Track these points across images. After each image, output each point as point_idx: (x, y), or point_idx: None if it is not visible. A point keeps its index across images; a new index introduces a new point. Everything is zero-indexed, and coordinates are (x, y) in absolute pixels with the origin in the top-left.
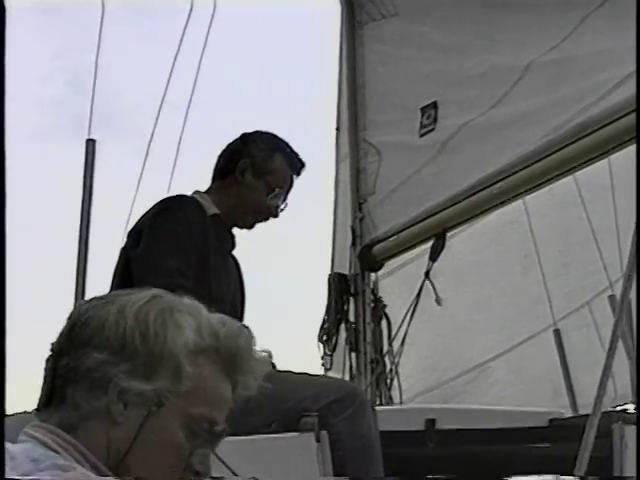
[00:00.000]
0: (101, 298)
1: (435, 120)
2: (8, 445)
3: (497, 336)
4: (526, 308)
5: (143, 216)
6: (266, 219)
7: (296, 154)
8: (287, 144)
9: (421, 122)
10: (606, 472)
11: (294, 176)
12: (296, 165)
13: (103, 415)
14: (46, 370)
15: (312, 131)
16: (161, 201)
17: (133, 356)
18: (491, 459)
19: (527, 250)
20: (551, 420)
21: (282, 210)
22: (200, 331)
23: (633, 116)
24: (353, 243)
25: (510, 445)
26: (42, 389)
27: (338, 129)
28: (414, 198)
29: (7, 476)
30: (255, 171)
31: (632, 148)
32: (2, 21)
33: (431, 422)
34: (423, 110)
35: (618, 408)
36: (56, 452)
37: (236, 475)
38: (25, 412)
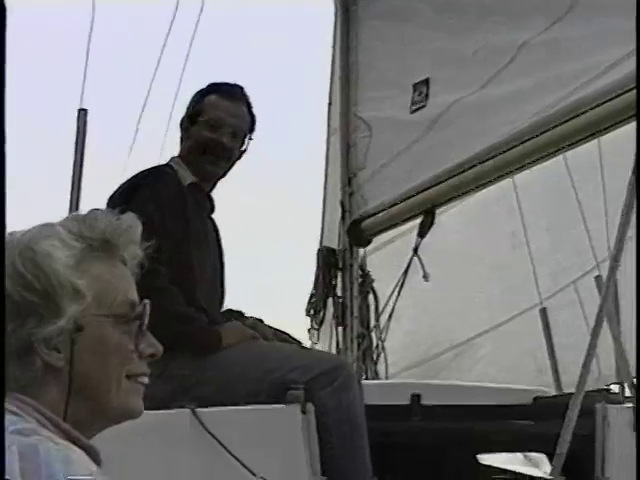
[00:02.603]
0: None
1: (427, 97)
2: None
3: (483, 313)
4: (513, 286)
5: (115, 192)
6: (227, 156)
7: (231, 85)
8: (222, 83)
9: (412, 98)
10: (588, 451)
11: (237, 105)
12: (232, 93)
13: (47, 371)
14: None
15: (305, 106)
16: (133, 177)
17: (32, 308)
18: (475, 435)
19: (515, 228)
20: (535, 398)
21: (247, 145)
22: (66, 244)
23: (624, 98)
24: (342, 218)
25: (494, 422)
26: None
27: (330, 104)
28: (404, 174)
29: None
30: (192, 120)
31: (622, 129)
32: (2, 21)
33: (416, 397)
34: (415, 87)
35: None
36: (16, 414)
37: (222, 444)
38: None
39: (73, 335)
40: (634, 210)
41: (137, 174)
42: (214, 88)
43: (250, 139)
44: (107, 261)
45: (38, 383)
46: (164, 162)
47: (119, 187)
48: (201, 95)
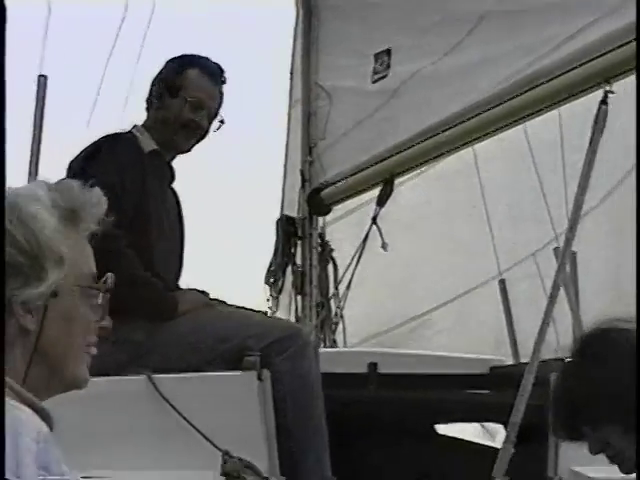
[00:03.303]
0: None
1: (388, 67)
2: None
3: (443, 285)
4: (473, 258)
5: (75, 158)
6: (200, 137)
7: (212, 64)
8: (202, 57)
9: (374, 68)
10: (543, 420)
11: (216, 87)
12: (213, 73)
13: (18, 333)
14: None
15: (268, 75)
16: (93, 143)
17: (19, 270)
18: (432, 404)
19: (475, 201)
20: (492, 368)
21: (218, 128)
22: (48, 209)
23: (582, 69)
24: (302, 186)
25: (451, 391)
26: None
27: (292, 73)
28: (364, 143)
29: None
30: (170, 91)
31: (584, 102)
32: (2, 21)
33: (373, 366)
34: (377, 56)
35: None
36: None
37: (177, 411)
38: None
39: (48, 301)
40: (588, 182)
41: (97, 140)
42: (195, 61)
43: (222, 121)
44: (75, 232)
45: (8, 344)
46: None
47: (80, 152)
48: (180, 66)
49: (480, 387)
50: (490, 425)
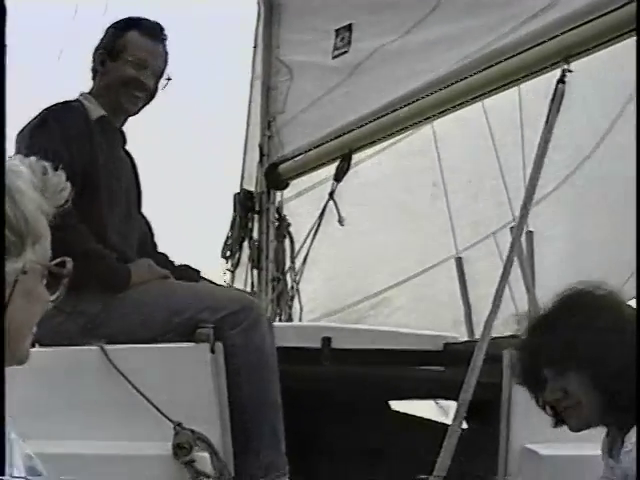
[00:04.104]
0: None
1: (349, 42)
2: None
3: (402, 263)
4: (432, 236)
5: (22, 130)
6: (147, 97)
7: (151, 23)
8: (140, 18)
9: (335, 44)
10: (496, 398)
11: (158, 45)
12: (153, 32)
13: None
14: None
15: (232, 49)
16: (40, 112)
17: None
18: (385, 380)
19: (435, 179)
20: (445, 344)
21: (165, 86)
22: (30, 187)
23: (541, 48)
24: (260, 161)
25: (404, 367)
26: None
27: (255, 47)
28: (323, 119)
29: None
30: (111, 56)
31: (543, 81)
32: (2, 21)
33: (327, 340)
34: (338, 32)
35: None
36: None
37: (130, 382)
38: None
39: (18, 277)
40: (543, 161)
41: (44, 109)
42: (133, 23)
43: (169, 79)
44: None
45: None
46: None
47: (27, 123)
48: (120, 30)
49: (433, 363)
50: (444, 402)
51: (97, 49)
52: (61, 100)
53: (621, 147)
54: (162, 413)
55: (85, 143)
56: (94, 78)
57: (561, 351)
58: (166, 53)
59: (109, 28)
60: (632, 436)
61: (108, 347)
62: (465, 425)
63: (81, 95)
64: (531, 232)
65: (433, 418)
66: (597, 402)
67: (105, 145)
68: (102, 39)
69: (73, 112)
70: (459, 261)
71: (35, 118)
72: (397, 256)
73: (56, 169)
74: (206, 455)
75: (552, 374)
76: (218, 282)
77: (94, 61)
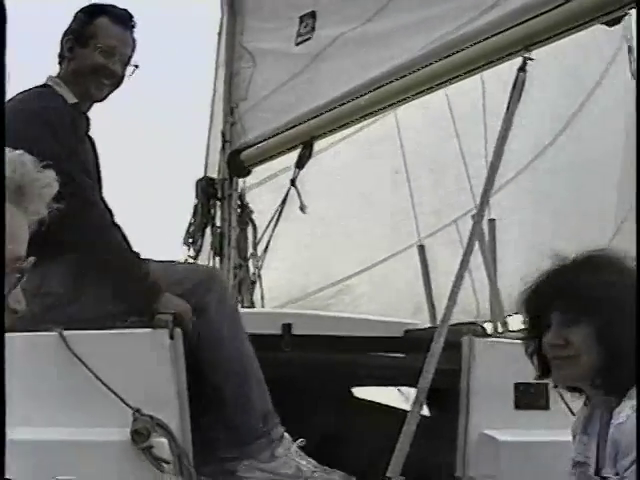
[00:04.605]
0: None
1: (312, 29)
2: None
3: (364, 251)
4: (394, 224)
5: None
6: (114, 84)
7: (121, 10)
8: (109, 5)
9: (298, 30)
10: (454, 384)
11: (127, 32)
12: (122, 19)
13: None
14: None
15: (197, 37)
16: (19, 100)
17: None
18: (346, 367)
19: (398, 166)
20: (406, 331)
21: (132, 73)
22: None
23: (502, 36)
24: (222, 148)
25: (364, 353)
26: None
27: (220, 34)
28: (285, 106)
29: None
30: (80, 42)
31: (504, 68)
32: (2, 21)
33: (287, 327)
34: (301, 19)
35: None
36: None
37: (88, 368)
38: None
39: None
40: (503, 148)
41: (21, 99)
42: (103, 10)
43: (136, 66)
44: (16, 206)
45: None
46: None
47: (9, 115)
48: (89, 16)
49: (394, 350)
50: (405, 389)
51: (65, 34)
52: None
53: (582, 136)
54: (121, 399)
55: (68, 130)
56: (61, 63)
57: (580, 299)
58: (134, 40)
59: (77, 13)
60: (624, 409)
61: (66, 333)
62: (428, 412)
63: (50, 80)
64: (493, 220)
65: (395, 405)
66: (596, 359)
67: (79, 129)
68: (70, 24)
69: (51, 97)
70: (421, 249)
71: (18, 113)
72: (359, 244)
73: (42, 158)
74: (164, 441)
75: (561, 320)
76: None
77: (62, 47)
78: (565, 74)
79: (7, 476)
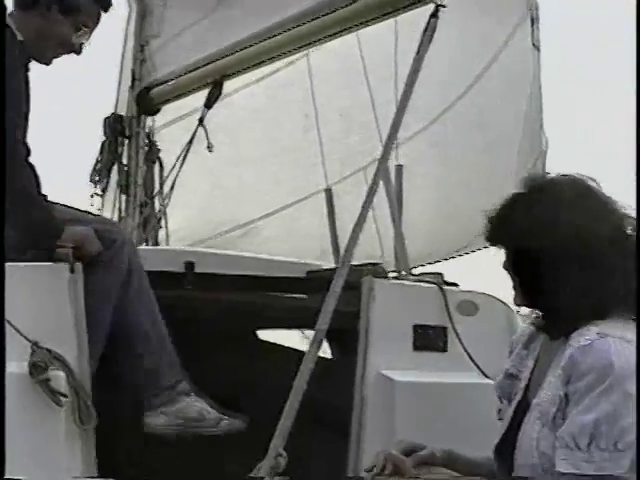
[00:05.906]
0: None
1: None
2: None
3: (272, 194)
4: (303, 169)
5: None
6: (67, 54)
7: None
8: None
9: None
10: (354, 325)
11: (102, 13)
12: (108, 4)
13: None
14: None
15: None
16: None
17: None
18: (247, 306)
19: (308, 111)
20: (309, 272)
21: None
22: None
23: None
24: (132, 85)
25: (266, 293)
26: None
27: None
28: (197, 44)
29: None
30: (63, 8)
31: (418, 14)
32: (2, 21)
33: (190, 265)
34: None
35: None
36: None
37: None
38: None
39: None
40: (410, 94)
41: None
42: None
43: None
44: None
45: None
46: None
47: None
48: None
49: (296, 291)
50: (308, 332)
51: None
52: None
53: (493, 92)
54: (19, 332)
55: (19, 68)
56: (25, 8)
57: (512, 236)
58: None
59: None
60: (588, 333)
61: None
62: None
63: (11, 16)
64: (401, 166)
65: (298, 347)
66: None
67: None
68: None
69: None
70: (329, 192)
71: None
72: (268, 187)
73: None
74: (62, 374)
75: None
76: (86, 207)
77: None
78: (479, 27)
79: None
